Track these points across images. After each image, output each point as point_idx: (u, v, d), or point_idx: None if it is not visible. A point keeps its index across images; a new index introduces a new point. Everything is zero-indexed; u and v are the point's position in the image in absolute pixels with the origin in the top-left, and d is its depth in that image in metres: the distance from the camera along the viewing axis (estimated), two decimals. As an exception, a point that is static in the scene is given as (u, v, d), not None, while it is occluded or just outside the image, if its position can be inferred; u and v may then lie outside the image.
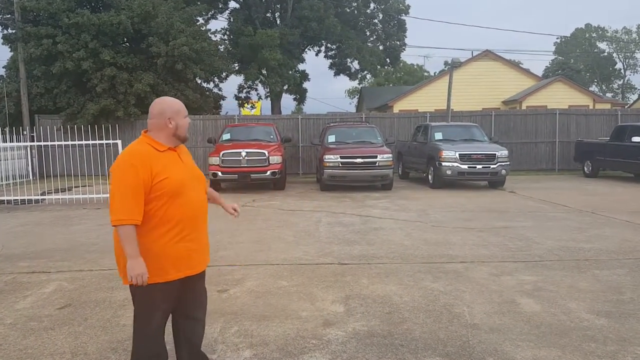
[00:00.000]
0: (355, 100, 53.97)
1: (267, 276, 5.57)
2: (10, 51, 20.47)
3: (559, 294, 4.81)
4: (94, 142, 12.84)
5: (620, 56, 68.13)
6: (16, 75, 20.21)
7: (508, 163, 13.86)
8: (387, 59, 30.33)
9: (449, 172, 13.52)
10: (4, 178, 13.93)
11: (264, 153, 12.99)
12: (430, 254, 6.44)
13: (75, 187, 13.95)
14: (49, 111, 19.11)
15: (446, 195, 12.50)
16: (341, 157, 13.14)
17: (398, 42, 30.21)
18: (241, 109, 28.47)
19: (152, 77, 18.37)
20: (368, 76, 35.25)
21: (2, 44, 19.29)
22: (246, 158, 12.92)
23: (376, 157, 13.19)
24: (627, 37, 67.05)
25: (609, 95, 60.72)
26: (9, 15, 19.07)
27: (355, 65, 29.45)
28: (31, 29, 17.80)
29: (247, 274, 5.64)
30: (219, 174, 12.98)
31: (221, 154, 12.96)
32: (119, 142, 11.52)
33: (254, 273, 5.69)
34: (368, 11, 29.37)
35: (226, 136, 14.45)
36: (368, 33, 30.11)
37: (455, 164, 13.48)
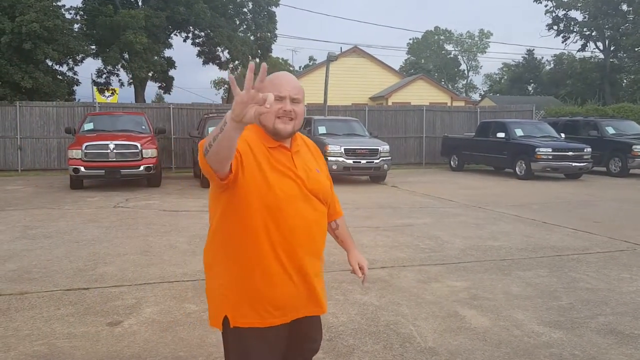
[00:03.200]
0: (222, 91, 52.42)
1: (168, 298, 4.62)
2: None
3: (499, 303, 4.53)
4: None
5: (464, 58, 74.44)
6: None
7: (389, 158, 13.96)
8: (259, 51, 29.50)
9: (334, 167, 13.21)
10: None
11: (137, 146, 11.55)
12: (346, 260, 5.89)
13: None
14: None
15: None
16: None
17: (269, 34, 29.53)
18: (97, 95, 25.78)
19: (-7, 56, 15.68)
20: (240, 67, 34.07)
21: None
22: (115, 151, 11.37)
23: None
24: (470, 40, 73.30)
25: (457, 94, 66.00)
26: None
27: (226, 54, 28.21)
28: None
29: (141, 297, 4.63)
30: (82, 169, 11.30)
31: (84, 146, 11.27)
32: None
33: (150, 295, 4.69)
34: (238, 0, 28.27)
35: (88, 126, 12.68)
36: (238, 22, 29.00)
37: (341, 159, 13.22)
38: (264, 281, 1.95)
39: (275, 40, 29.84)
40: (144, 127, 13.00)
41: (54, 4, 17.48)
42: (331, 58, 19.07)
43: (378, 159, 13.56)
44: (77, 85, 22.36)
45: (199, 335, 3.82)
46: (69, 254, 6.11)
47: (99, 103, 18.34)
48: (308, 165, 2.07)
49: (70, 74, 20.42)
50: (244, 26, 29.14)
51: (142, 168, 11.56)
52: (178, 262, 5.78)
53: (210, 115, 14.76)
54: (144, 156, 11.57)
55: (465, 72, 75.30)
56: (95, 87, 24.25)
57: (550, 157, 14.53)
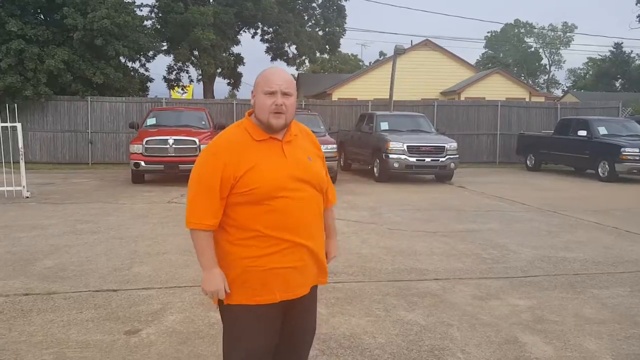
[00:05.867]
0: (292, 87, 52.56)
1: (195, 305, 4.28)
2: None
3: (567, 328, 3.84)
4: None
5: (546, 52, 70.67)
6: None
7: (457, 156, 13.12)
8: (327, 46, 29.15)
9: (396, 165, 12.61)
10: None
11: (195, 141, 11.48)
12: (396, 268, 5.36)
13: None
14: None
15: (394, 190, 11.55)
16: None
17: (337, 28, 29.11)
18: (171, 91, 26.39)
19: (66, 52, 16.22)
20: (307, 62, 33.91)
21: None
22: (174, 146, 11.35)
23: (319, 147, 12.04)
24: (552, 33, 69.47)
25: (537, 89, 62.75)
26: None
27: (293, 50, 28.09)
28: None
29: (167, 302, 4.32)
30: (142, 163, 11.37)
31: (144, 141, 11.33)
32: (18, 125, 9.69)
33: (177, 300, 4.38)
34: (306, -6, 28.06)
35: (151, 121, 12.78)
36: (306, 17, 28.80)
37: (403, 157, 12.57)
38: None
39: (343, 35, 29.39)
40: (204, 122, 12.94)
41: (125, 0, 17.92)
42: (398, 51, 18.33)
43: (444, 157, 12.77)
44: (150, 82, 22.95)
45: (218, 352, 3.44)
46: (109, 251, 5.96)
47: (166, 99, 18.60)
48: (300, 153, 2.16)
49: (142, 70, 20.96)
50: (313, 21, 28.89)
51: (198, 163, 11.45)
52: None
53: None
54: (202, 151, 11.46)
55: (547, 66, 71.53)
56: (166, 83, 24.74)
57: (638, 157, 13.13)
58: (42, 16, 17.84)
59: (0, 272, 5.10)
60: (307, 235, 2.12)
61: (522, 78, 60.35)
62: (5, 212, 8.50)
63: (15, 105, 12.53)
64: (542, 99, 28.16)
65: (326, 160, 9.70)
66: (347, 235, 6.80)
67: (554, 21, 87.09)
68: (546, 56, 70.79)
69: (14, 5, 15.92)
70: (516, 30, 68.07)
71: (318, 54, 32.42)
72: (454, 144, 13.05)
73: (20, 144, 9.80)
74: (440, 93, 27.79)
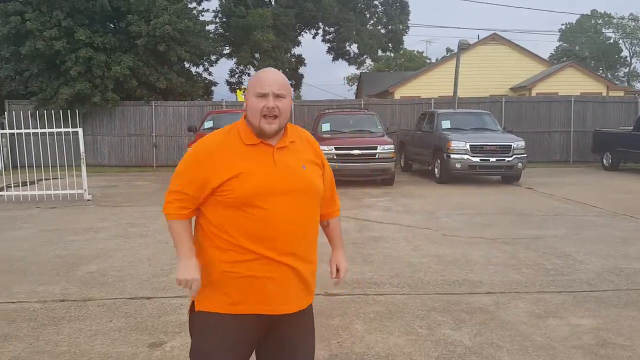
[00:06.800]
0: (355, 87, 52.38)
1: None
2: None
3: (637, 354, 3.32)
4: (58, 129, 11.16)
5: (626, 43, 66.28)
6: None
7: (525, 155, 12.32)
8: (390, 44, 28.62)
9: (458, 166, 12.01)
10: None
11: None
12: (446, 280, 4.95)
13: (39, 180, 12.38)
14: (20, 96, 17.48)
15: (456, 192, 10.99)
16: (336, 148, 11.62)
17: (400, 25, 28.50)
18: (237, 93, 26.72)
19: (131, 59, 16.75)
20: (368, 62, 33.54)
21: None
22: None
23: (376, 148, 11.68)
24: (633, 23, 65.03)
25: (615, 83, 58.99)
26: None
27: (355, 49, 27.79)
28: (-3, 5, 16.18)
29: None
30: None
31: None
32: (80, 130, 9.99)
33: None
34: (368, -8, 27.66)
35: (208, 124, 12.85)
36: (368, 15, 28.41)
37: (466, 156, 11.95)
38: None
39: (407, 32, 28.78)
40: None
41: (188, 6, 18.29)
42: (462, 46, 17.59)
43: (511, 156, 12.04)
44: (214, 86, 23.39)
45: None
46: (153, 256, 5.91)
47: (227, 102, 18.77)
48: (293, 160, 1.99)
49: (205, 74, 21.37)
50: (375, 19, 28.46)
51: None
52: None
53: (326, 112, 14.27)
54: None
55: (628, 59, 67.03)
56: (228, 87, 25.17)
57: None
58: (111, 25, 18.53)
59: (44, 277, 5.15)
60: (286, 250, 1.93)
61: (600, 72, 56.93)
62: (64, 215, 8.75)
63: (77, 111, 12.98)
64: (621, 93, 26.28)
65: (382, 161, 9.24)
66: (396, 242, 6.43)
67: (634, 10, 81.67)
68: (626, 48, 66.34)
69: (83, 16, 16.60)
70: (593, 21, 64.23)
71: (380, 52, 31.95)
72: (522, 143, 12.27)
73: (82, 149, 10.10)
74: (510, 89, 26.54)
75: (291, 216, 1.93)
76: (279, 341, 2.02)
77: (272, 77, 1.96)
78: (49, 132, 11.89)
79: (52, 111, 12.77)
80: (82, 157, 10.10)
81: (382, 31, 28.50)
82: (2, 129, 15.83)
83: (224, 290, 1.94)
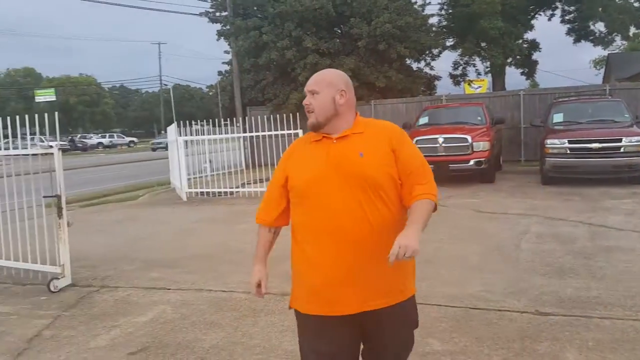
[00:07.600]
0: (603, 71, 46.27)
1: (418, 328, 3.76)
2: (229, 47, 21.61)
3: None
4: (282, 132, 12.09)
5: None
6: (231, 70, 21.30)
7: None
8: (647, 17, 24.36)
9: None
10: (221, 168, 14.28)
11: (466, 139, 10.77)
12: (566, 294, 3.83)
13: (268, 179, 13.63)
14: (258, 103, 19.57)
15: None
16: (570, 142, 10.22)
17: (661, -6, 24.06)
18: (465, 86, 25.70)
19: (353, 61, 17.36)
20: (618, 41, 29.13)
21: (217, 39, 20.37)
22: (444, 145, 10.86)
23: (621, 140, 9.93)
24: None
25: None
26: (225, 13, 20.04)
27: (601, 27, 24.31)
28: (240, 22, 18.30)
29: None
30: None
31: (414, 140, 11.18)
32: (300, 131, 10.66)
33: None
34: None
35: (424, 120, 12.57)
36: (618, -13, 24.66)
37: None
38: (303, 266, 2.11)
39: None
40: (479, 118, 12.06)
41: (410, 1, 18.24)
42: None
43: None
44: (437, 80, 22.96)
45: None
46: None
47: (447, 96, 18.17)
48: (350, 150, 2.03)
49: (427, 69, 21.07)
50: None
51: (471, 162, 10.71)
52: (453, 279, 4.81)
53: (560, 100, 12.69)
54: (474, 149, 10.70)
55: None
56: (451, 80, 24.34)
57: None
58: (338, 30, 19.51)
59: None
60: (332, 242, 1.98)
61: None
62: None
63: (297, 114, 13.86)
64: None
65: (629, 156, 8.08)
66: (637, 254, 5.26)
67: None
68: None
69: (309, 24, 17.77)
70: None
71: (634, 29, 27.47)
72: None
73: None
74: None
75: (338, 207, 1.96)
76: (371, 334, 2.14)
77: (313, 77, 2.14)
78: (280, 135, 12.97)
79: (284, 115, 13.98)
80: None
81: (636, 4, 24.43)
82: (245, 132, 17.92)
83: (293, 288, 2.17)
